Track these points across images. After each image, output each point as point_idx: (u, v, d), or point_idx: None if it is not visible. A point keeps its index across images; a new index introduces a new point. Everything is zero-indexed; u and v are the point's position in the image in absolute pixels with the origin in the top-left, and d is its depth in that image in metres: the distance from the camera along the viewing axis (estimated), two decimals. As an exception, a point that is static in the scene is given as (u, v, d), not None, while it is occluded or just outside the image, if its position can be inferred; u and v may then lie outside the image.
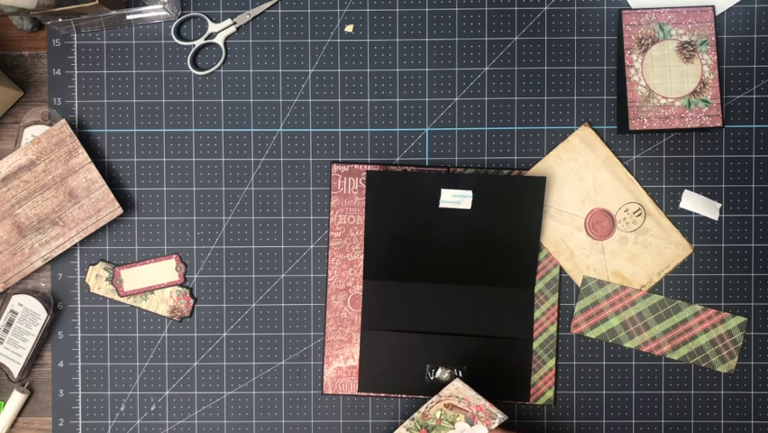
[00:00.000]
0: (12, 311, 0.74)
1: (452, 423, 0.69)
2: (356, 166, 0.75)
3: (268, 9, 0.75)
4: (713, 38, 0.72)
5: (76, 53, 0.76)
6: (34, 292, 0.74)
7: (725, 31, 0.75)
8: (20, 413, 0.75)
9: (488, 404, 0.68)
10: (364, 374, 0.74)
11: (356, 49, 0.75)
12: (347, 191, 0.75)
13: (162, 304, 0.75)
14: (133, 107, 0.76)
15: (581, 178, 0.75)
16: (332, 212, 0.75)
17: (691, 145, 0.75)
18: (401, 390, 0.74)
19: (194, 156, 0.75)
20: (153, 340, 0.75)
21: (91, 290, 0.75)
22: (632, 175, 0.75)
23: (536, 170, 0.75)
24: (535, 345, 0.74)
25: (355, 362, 0.75)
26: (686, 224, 0.75)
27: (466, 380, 0.74)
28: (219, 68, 0.75)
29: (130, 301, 0.75)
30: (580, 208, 0.75)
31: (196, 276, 0.75)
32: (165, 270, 0.75)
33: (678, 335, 0.74)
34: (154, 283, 0.75)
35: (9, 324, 0.74)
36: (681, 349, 0.74)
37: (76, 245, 0.75)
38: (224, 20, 0.75)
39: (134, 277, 0.75)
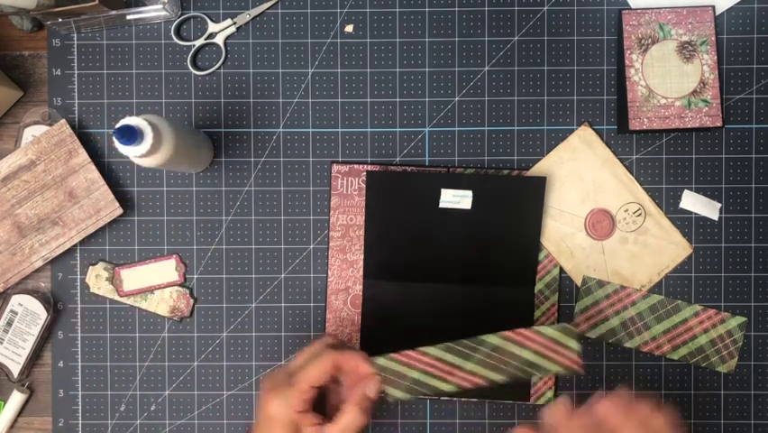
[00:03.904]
0: (12, 311, 0.74)
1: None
2: (356, 166, 0.75)
3: (268, 9, 0.75)
4: (713, 38, 0.72)
5: (76, 53, 0.76)
6: (34, 292, 0.74)
7: (725, 31, 0.75)
8: (20, 413, 0.75)
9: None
10: (364, 374, 0.74)
11: (356, 49, 0.75)
12: (347, 191, 0.75)
13: (162, 304, 0.75)
14: (133, 107, 0.76)
15: (581, 178, 0.75)
16: (332, 212, 0.75)
17: (691, 145, 0.75)
18: (401, 390, 0.74)
19: (194, 156, 0.75)
20: (153, 340, 0.75)
21: (91, 290, 0.75)
22: (632, 175, 0.75)
23: (536, 170, 0.75)
24: (535, 345, 0.74)
25: (355, 362, 0.75)
26: (686, 224, 0.75)
27: None
28: (219, 68, 0.75)
29: (130, 301, 0.75)
30: (580, 208, 0.75)
31: (196, 276, 0.75)
32: (165, 270, 0.75)
33: (678, 335, 0.74)
34: (154, 283, 0.75)
35: (9, 324, 0.74)
36: (681, 349, 0.74)
37: (76, 245, 0.75)
38: (224, 20, 0.75)
39: (134, 277, 0.75)
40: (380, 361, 0.61)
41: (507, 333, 0.61)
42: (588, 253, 0.75)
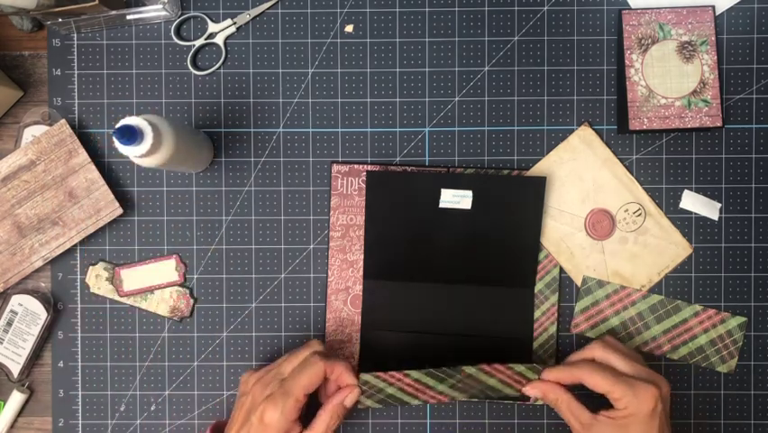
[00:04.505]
0: (12, 311, 0.74)
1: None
2: (356, 166, 0.75)
3: (268, 9, 0.75)
4: (713, 38, 0.72)
5: (76, 53, 0.76)
6: (34, 292, 0.74)
7: (725, 31, 0.75)
8: (20, 413, 0.75)
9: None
10: (364, 374, 0.74)
11: (356, 49, 0.75)
12: (347, 191, 0.75)
13: (162, 304, 0.75)
14: (133, 107, 0.76)
15: (581, 178, 0.75)
16: (332, 212, 0.75)
17: (691, 145, 0.75)
18: (401, 390, 0.74)
19: (194, 156, 0.75)
20: (153, 340, 0.75)
21: (91, 290, 0.75)
22: (632, 175, 0.75)
23: (536, 170, 0.75)
24: (535, 345, 0.74)
25: (355, 362, 0.75)
26: (686, 224, 0.75)
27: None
28: (219, 68, 0.75)
29: (130, 301, 0.75)
30: (580, 208, 0.75)
31: (196, 276, 0.75)
32: (165, 270, 0.75)
33: (678, 335, 0.74)
34: (154, 283, 0.75)
35: (9, 324, 0.74)
36: (681, 349, 0.74)
37: (76, 245, 0.75)
38: (224, 20, 0.75)
39: (134, 277, 0.75)
40: (365, 376, 0.66)
41: (483, 365, 0.67)
42: (588, 253, 0.75)
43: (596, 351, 0.67)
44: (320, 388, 0.67)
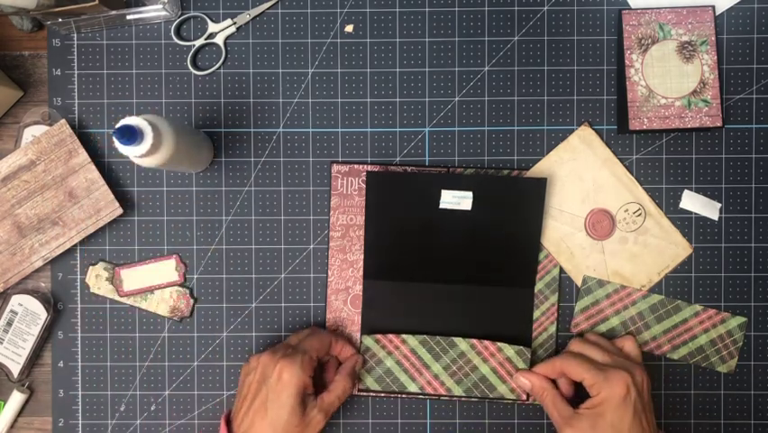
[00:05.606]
0: (12, 311, 0.74)
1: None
2: (356, 166, 0.75)
3: (268, 9, 0.75)
4: (713, 38, 0.72)
5: (76, 53, 0.76)
6: (34, 292, 0.74)
7: (725, 31, 0.75)
8: (20, 413, 0.75)
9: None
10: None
11: (356, 49, 0.75)
12: (347, 191, 0.75)
13: (162, 304, 0.75)
14: (133, 107, 0.76)
15: (581, 178, 0.75)
16: (332, 212, 0.75)
17: (691, 145, 0.75)
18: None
19: (194, 156, 0.75)
20: (153, 340, 0.75)
21: (91, 290, 0.75)
22: (632, 175, 0.75)
23: (536, 170, 0.75)
24: (535, 344, 0.74)
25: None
26: (686, 224, 0.75)
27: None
28: (219, 68, 0.75)
29: (130, 301, 0.75)
30: (580, 208, 0.75)
31: (196, 276, 0.75)
32: (165, 270, 0.75)
33: (678, 335, 0.74)
34: (154, 283, 0.75)
35: (9, 324, 0.74)
36: (681, 349, 0.74)
37: (76, 245, 0.75)
38: (224, 20, 0.75)
39: (134, 277, 0.75)
40: (366, 340, 0.72)
41: (475, 341, 0.72)
42: (588, 253, 0.75)
43: (574, 345, 0.71)
44: (326, 373, 0.71)
